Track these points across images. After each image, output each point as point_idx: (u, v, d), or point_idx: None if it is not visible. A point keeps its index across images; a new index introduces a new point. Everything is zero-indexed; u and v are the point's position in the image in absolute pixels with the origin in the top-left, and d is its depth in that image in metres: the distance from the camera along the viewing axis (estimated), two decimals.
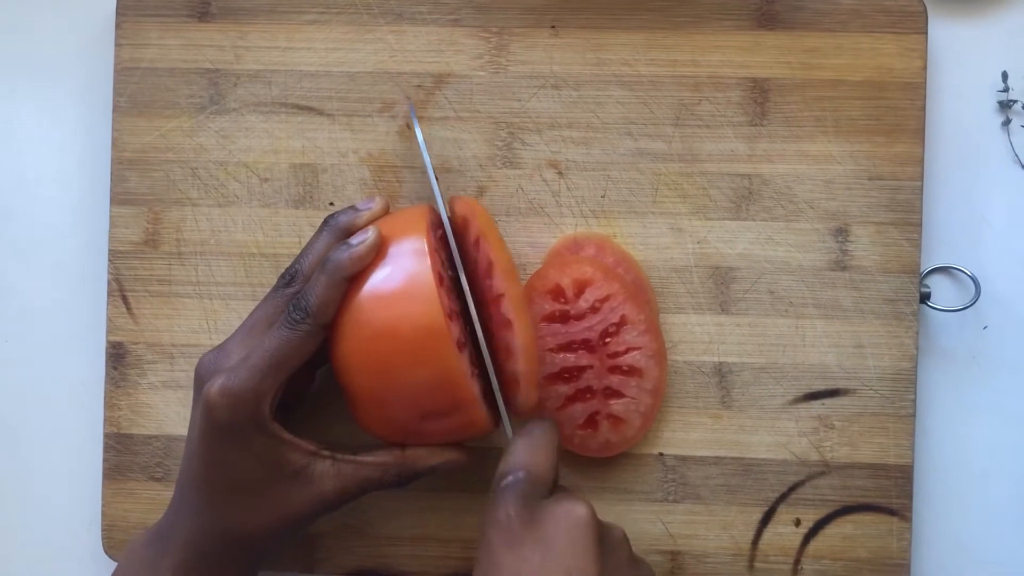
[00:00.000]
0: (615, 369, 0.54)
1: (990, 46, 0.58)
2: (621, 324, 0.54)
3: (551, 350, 0.55)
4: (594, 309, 0.54)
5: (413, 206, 0.55)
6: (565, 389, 0.55)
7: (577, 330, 0.55)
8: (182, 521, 0.50)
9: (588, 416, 0.55)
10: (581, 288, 0.54)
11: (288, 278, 0.51)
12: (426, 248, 0.49)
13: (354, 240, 0.49)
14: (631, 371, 0.54)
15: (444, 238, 0.53)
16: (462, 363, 0.48)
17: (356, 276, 0.49)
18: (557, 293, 0.55)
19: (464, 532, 0.57)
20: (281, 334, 0.48)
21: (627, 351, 0.54)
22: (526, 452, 0.48)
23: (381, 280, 0.49)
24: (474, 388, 0.49)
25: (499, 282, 0.50)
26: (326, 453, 0.50)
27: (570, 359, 0.54)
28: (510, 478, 0.47)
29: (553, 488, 0.48)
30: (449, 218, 0.52)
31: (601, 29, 0.57)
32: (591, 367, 0.55)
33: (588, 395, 0.55)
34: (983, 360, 0.58)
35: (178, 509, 0.50)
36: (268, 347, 0.48)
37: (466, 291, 0.50)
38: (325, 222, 0.52)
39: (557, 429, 0.50)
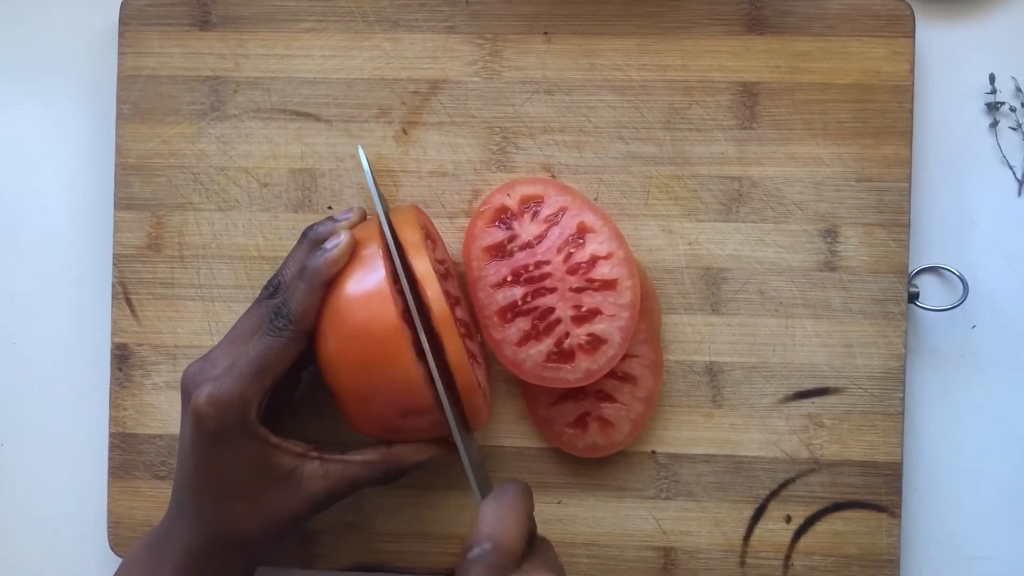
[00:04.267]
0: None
1: (977, 49, 0.58)
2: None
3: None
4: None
5: (394, 208, 0.56)
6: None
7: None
8: (180, 526, 0.51)
9: (578, 415, 0.56)
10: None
11: (272, 289, 0.52)
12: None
13: (328, 245, 0.50)
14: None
15: (428, 240, 0.54)
16: (417, 367, 0.49)
17: (334, 280, 0.50)
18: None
19: (461, 528, 0.58)
20: (264, 341, 0.50)
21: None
22: (494, 521, 0.46)
23: (355, 282, 0.50)
24: (427, 393, 0.49)
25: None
26: (314, 454, 0.51)
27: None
28: (476, 550, 0.45)
29: (525, 555, 0.47)
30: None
31: (593, 35, 0.57)
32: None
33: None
34: (972, 359, 0.58)
35: (175, 515, 0.52)
36: (252, 354, 0.49)
37: (409, 301, 0.49)
38: (304, 234, 0.53)
39: (530, 492, 0.49)
